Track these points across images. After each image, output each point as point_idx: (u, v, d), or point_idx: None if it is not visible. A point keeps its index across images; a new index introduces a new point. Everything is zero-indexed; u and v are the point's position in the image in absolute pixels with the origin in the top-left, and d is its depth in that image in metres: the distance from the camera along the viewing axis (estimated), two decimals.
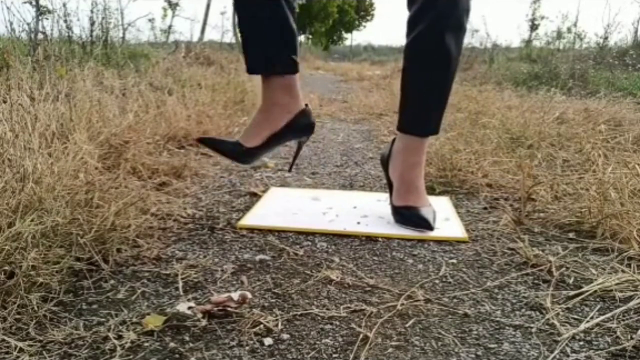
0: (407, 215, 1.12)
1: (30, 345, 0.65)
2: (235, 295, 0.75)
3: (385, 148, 1.23)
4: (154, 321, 0.71)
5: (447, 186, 1.46)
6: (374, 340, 0.69)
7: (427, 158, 1.62)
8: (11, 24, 2.30)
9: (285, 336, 0.70)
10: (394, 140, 1.20)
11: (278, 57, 1.12)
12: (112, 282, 0.84)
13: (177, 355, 0.65)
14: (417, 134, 1.15)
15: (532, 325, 0.73)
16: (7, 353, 0.63)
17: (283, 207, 1.24)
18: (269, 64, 1.12)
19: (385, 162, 1.21)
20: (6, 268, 0.75)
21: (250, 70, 1.14)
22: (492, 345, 0.68)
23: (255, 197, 1.34)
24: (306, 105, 1.17)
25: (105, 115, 1.63)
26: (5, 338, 0.66)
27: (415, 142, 1.15)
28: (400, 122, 1.18)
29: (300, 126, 1.16)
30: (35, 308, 0.72)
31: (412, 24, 1.11)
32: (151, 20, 9.27)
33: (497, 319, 0.75)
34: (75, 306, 0.76)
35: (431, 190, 1.40)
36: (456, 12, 1.08)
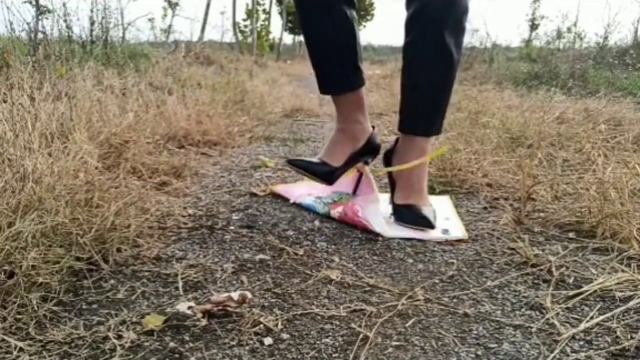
0: (407, 213, 1.12)
1: (30, 345, 0.65)
2: (235, 295, 0.75)
3: (389, 146, 1.23)
4: (154, 321, 0.71)
5: (447, 186, 1.46)
6: (374, 340, 0.69)
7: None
8: (11, 23, 2.29)
9: (285, 336, 0.70)
10: (397, 139, 1.20)
11: (353, 75, 1.15)
12: (112, 281, 0.84)
13: (177, 355, 0.65)
14: (419, 134, 1.15)
15: (532, 325, 0.73)
16: (7, 353, 0.63)
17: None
18: (346, 83, 1.15)
19: (388, 160, 1.21)
20: (6, 268, 0.75)
21: (327, 92, 1.17)
22: (492, 345, 0.68)
23: (255, 197, 1.34)
24: (373, 127, 1.20)
25: (105, 114, 1.63)
26: (5, 338, 0.66)
27: (418, 142, 1.15)
28: (401, 122, 1.18)
29: (373, 146, 1.20)
30: (35, 308, 0.72)
31: (409, 24, 1.11)
32: (151, 20, 9.31)
33: (497, 318, 0.75)
34: (75, 306, 0.76)
35: (431, 190, 1.40)
36: (454, 11, 1.07)
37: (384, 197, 1.31)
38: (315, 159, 1.18)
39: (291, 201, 1.24)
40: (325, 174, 1.14)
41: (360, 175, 1.25)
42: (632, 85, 3.63)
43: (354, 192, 1.26)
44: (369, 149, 1.20)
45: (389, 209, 1.22)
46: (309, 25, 1.15)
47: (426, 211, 1.11)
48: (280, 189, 1.36)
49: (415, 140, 1.15)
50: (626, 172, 1.22)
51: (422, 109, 1.15)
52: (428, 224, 1.09)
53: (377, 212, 1.14)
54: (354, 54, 1.15)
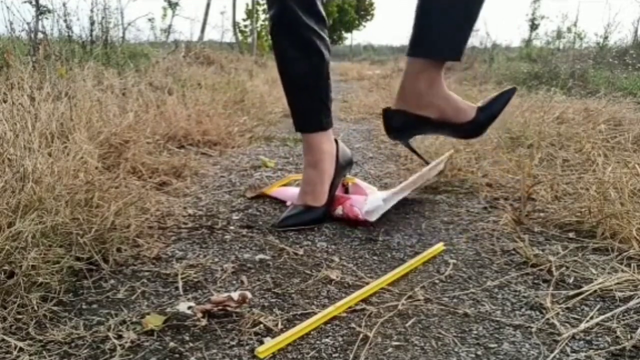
0: (489, 109, 1.03)
1: (30, 345, 0.65)
2: (235, 295, 0.75)
3: (396, 120, 1.07)
4: (154, 321, 0.71)
5: (447, 186, 1.46)
6: (374, 340, 0.69)
7: (427, 158, 1.62)
8: (11, 23, 2.29)
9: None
10: (387, 110, 1.08)
11: (326, 115, 1.18)
12: (112, 281, 0.84)
13: (177, 355, 0.65)
14: (451, 57, 1.00)
15: (532, 325, 0.73)
16: (7, 353, 0.63)
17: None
18: (319, 123, 1.17)
19: (408, 128, 1.08)
20: (6, 268, 0.75)
21: (301, 130, 1.19)
22: (492, 345, 0.68)
23: (250, 200, 1.34)
24: (336, 140, 1.21)
25: (105, 114, 1.63)
26: (5, 338, 0.66)
27: (440, 67, 1.01)
28: (430, 46, 0.99)
29: (345, 162, 1.23)
30: (35, 308, 0.72)
31: None
32: (151, 20, 9.29)
33: (497, 318, 0.75)
34: (75, 306, 0.76)
35: (433, 190, 1.40)
36: None
37: (384, 195, 1.31)
38: (297, 206, 1.16)
39: (288, 203, 1.24)
40: (318, 219, 1.14)
41: (346, 186, 1.27)
42: (632, 85, 3.62)
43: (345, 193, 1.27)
44: (342, 169, 1.22)
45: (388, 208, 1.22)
46: (284, 63, 1.15)
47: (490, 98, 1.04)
48: (275, 192, 1.36)
49: (438, 65, 1.00)
50: (626, 172, 1.22)
51: (454, 28, 0.97)
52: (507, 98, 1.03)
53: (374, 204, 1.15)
54: (325, 96, 1.17)
